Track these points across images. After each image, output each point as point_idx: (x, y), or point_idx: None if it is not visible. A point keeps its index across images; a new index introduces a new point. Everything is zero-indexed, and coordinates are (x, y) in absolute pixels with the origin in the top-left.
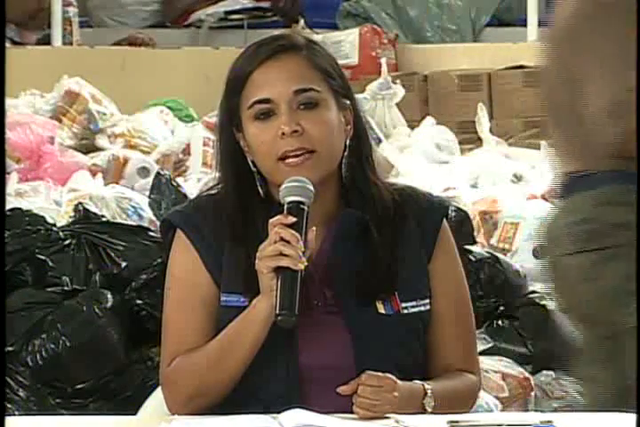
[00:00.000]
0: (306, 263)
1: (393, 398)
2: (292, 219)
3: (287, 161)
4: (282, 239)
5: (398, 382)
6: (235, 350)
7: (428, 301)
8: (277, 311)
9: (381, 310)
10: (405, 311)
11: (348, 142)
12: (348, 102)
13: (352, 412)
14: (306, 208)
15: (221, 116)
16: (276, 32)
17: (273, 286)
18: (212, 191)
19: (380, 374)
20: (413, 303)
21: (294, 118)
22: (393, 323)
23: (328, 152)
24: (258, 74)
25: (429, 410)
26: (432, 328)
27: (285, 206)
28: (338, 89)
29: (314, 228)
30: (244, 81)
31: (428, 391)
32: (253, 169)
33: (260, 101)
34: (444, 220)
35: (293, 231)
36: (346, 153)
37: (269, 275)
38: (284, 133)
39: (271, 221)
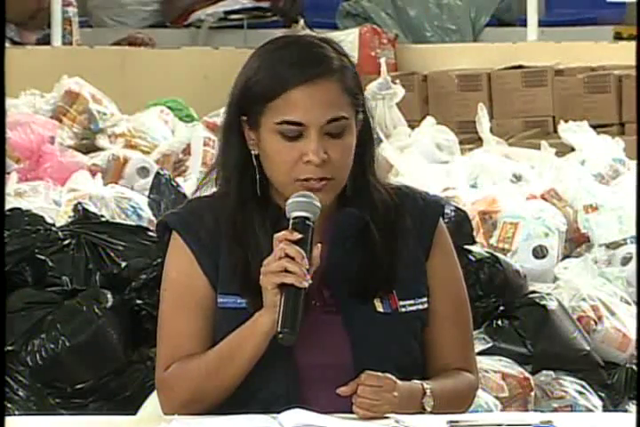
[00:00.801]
0: (310, 281)
1: (392, 397)
2: (297, 235)
3: (305, 184)
4: (287, 256)
5: (398, 381)
6: (234, 361)
7: (425, 299)
8: (279, 329)
9: (379, 308)
10: (403, 310)
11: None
12: (362, 117)
13: (352, 411)
14: (312, 224)
15: (233, 111)
16: (277, 32)
17: (276, 301)
18: (210, 193)
19: (379, 374)
20: (411, 302)
21: (322, 147)
22: (391, 321)
23: (343, 178)
24: (293, 94)
25: (428, 409)
26: (430, 327)
27: (291, 222)
28: (358, 108)
29: (319, 245)
30: (276, 95)
31: (427, 391)
32: (255, 164)
33: (291, 122)
34: (441, 218)
35: (299, 248)
36: None
37: (273, 291)
38: (309, 161)
39: (276, 236)
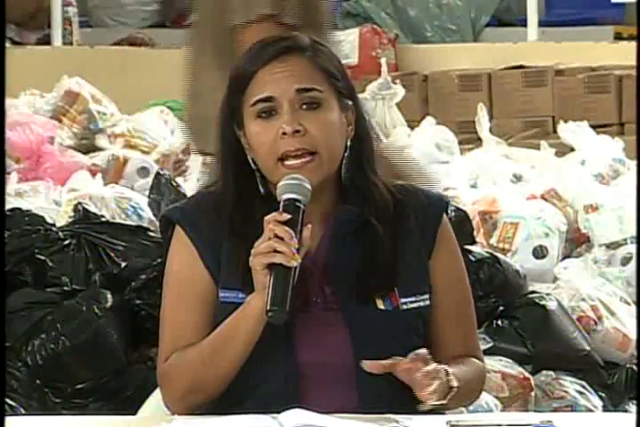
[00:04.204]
0: (300, 260)
1: (435, 370)
2: (286, 216)
3: (287, 163)
4: (276, 236)
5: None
6: (229, 347)
7: (427, 296)
8: (268, 307)
9: (380, 305)
10: (405, 307)
11: (348, 143)
12: (351, 103)
13: (352, 410)
14: (302, 206)
15: (223, 113)
16: None
17: (266, 282)
18: (212, 188)
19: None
20: (412, 299)
21: (296, 118)
22: (392, 319)
23: (329, 154)
24: (262, 73)
25: (455, 385)
26: (435, 323)
27: (281, 204)
28: (341, 90)
29: (309, 225)
30: (248, 80)
31: (448, 369)
32: (253, 167)
33: (262, 100)
34: (444, 215)
35: (287, 228)
36: (346, 154)
37: (263, 272)
38: (285, 133)
39: (266, 218)
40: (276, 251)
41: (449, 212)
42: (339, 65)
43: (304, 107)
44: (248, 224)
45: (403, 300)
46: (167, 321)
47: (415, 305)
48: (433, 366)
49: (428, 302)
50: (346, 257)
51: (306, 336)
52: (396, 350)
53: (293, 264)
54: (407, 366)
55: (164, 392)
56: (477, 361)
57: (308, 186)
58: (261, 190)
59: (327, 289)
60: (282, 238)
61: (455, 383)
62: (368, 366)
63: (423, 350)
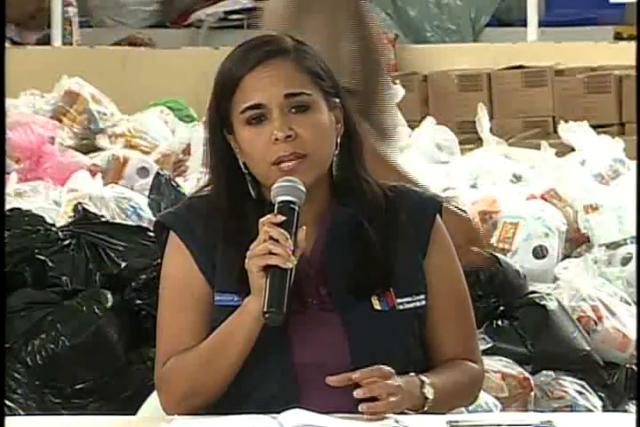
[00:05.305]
0: (295, 262)
1: (393, 385)
2: (281, 218)
3: (281, 165)
4: (271, 238)
5: (392, 370)
6: (226, 350)
7: (423, 296)
8: (265, 309)
9: (377, 306)
10: (401, 307)
11: (338, 140)
12: (338, 101)
13: (349, 410)
14: (296, 208)
15: (211, 118)
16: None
17: (263, 284)
18: (205, 192)
19: (371, 367)
20: (409, 299)
21: (286, 123)
22: (389, 319)
23: (320, 155)
24: (248, 79)
25: (431, 397)
26: (431, 324)
27: (276, 206)
28: (327, 89)
29: (304, 227)
30: (234, 86)
31: (426, 380)
32: (244, 171)
33: (251, 107)
34: (437, 215)
35: (282, 230)
36: (336, 151)
37: (259, 274)
38: (277, 139)
39: (261, 220)
40: (271, 253)
41: (443, 208)
42: (322, 64)
43: (293, 111)
44: (242, 227)
45: (399, 300)
46: (164, 326)
47: (412, 305)
48: (396, 381)
49: (424, 303)
50: (341, 258)
51: (302, 337)
52: (392, 351)
53: (289, 266)
54: (370, 380)
55: (161, 396)
56: (472, 364)
57: (302, 188)
58: (253, 194)
59: (323, 290)
60: (277, 240)
61: (431, 395)
62: (332, 381)
63: (385, 367)
